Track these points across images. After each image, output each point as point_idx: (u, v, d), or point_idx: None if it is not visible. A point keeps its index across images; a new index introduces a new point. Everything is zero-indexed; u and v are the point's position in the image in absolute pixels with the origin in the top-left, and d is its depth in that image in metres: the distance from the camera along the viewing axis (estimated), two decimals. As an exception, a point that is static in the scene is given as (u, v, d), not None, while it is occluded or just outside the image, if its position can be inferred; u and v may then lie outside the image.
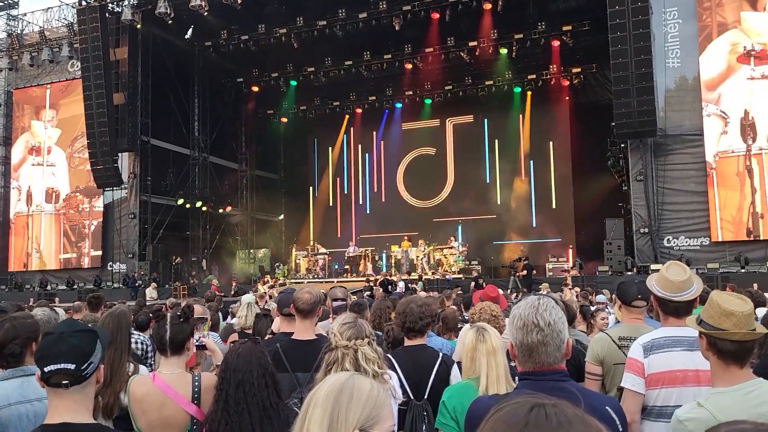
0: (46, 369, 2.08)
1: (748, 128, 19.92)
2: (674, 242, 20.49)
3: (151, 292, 22.44)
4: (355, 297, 8.87)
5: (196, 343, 3.53)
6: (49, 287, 26.42)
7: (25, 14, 30.00)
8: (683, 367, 3.07)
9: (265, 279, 25.25)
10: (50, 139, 28.68)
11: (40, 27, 28.84)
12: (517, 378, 2.33)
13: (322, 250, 26.94)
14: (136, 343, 5.16)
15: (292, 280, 24.25)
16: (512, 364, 2.71)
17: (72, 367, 2.07)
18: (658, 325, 3.54)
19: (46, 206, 28.44)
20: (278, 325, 5.10)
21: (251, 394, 2.81)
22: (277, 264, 29.18)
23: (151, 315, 3.65)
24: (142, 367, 3.89)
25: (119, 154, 25.37)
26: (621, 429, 2.17)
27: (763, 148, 19.77)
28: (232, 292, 21.56)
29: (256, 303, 10.36)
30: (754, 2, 20.26)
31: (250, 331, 5.83)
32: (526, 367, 2.22)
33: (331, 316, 3.93)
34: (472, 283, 16.89)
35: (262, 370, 2.88)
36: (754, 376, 2.51)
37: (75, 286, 25.86)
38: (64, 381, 2.08)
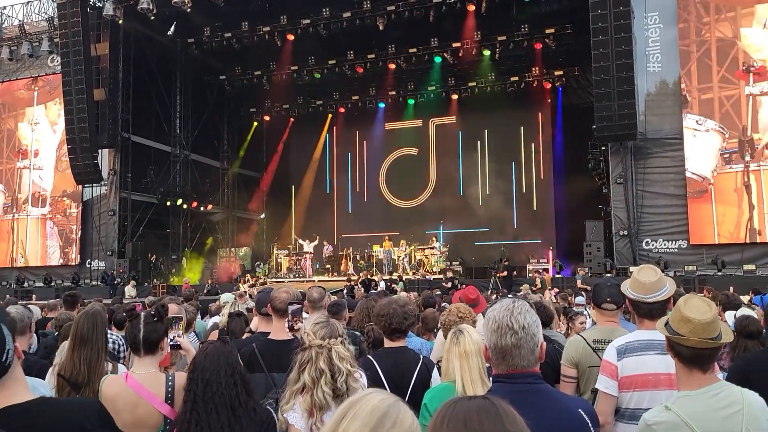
0: None
1: (746, 144, 20.06)
2: (653, 245, 20.70)
3: (129, 290, 22.22)
4: (334, 297, 8.84)
5: (171, 343, 3.48)
6: (26, 284, 26.07)
7: (4, 7, 29.57)
8: (656, 371, 3.10)
9: (246, 278, 25.14)
10: (37, 141, 28.28)
11: (20, 21, 28.44)
12: (491, 380, 2.33)
13: (308, 247, 26.82)
14: (110, 342, 5.09)
15: (273, 279, 24.17)
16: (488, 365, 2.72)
17: None
18: (633, 327, 3.57)
19: (32, 210, 28.00)
20: (257, 324, 5.08)
21: (219, 394, 2.78)
22: (257, 263, 29.07)
23: (124, 314, 3.60)
24: (121, 366, 3.84)
25: (99, 151, 25.08)
26: (593, 430, 2.18)
27: (761, 165, 19.88)
28: (205, 291, 21.32)
29: (236, 302, 10.34)
30: (749, 18, 20.43)
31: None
32: (500, 369, 2.22)
33: (287, 318, 3.91)
34: (448, 284, 16.99)
35: (231, 370, 2.86)
36: (718, 379, 2.54)
37: (52, 284, 25.57)
38: None
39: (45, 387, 3.02)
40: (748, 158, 19.98)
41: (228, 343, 3.04)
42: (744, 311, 5.12)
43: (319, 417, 2.88)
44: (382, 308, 4.05)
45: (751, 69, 20.17)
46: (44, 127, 28.16)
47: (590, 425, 2.17)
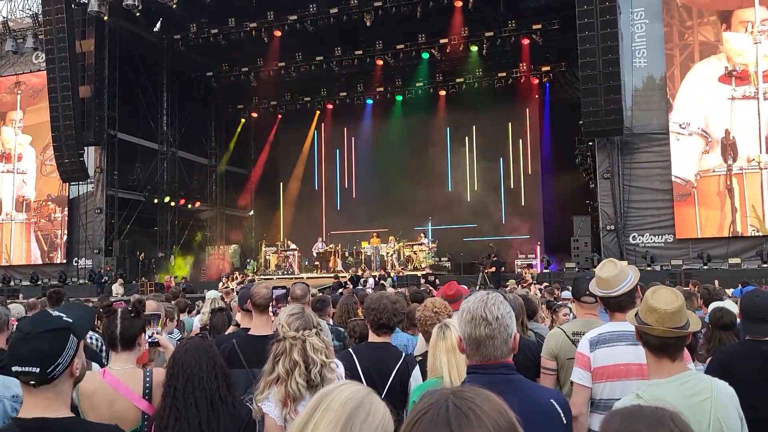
0: (13, 369, 2.04)
1: (729, 148, 20.16)
2: (639, 239, 20.82)
3: (117, 288, 22.11)
4: (320, 293, 8.84)
5: (149, 340, 3.47)
6: (12, 283, 25.88)
7: (-13, 4, 29.30)
8: (627, 361, 3.15)
9: (234, 275, 25.09)
10: (21, 146, 27.99)
11: (4, 17, 28.16)
12: (465, 371, 2.33)
13: (292, 246, 26.87)
14: (90, 338, 5.08)
15: (262, 276, 24.14)
16: None
17: (36, 370, 2.00)
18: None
19: (16, 215, 27.72)
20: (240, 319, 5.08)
21: (200, 388, 2.79)
22: (247, 260, 29.01)
23: (101, 310, 3.58)
24: (94, 365, 3.82)
25: (85, 148, 24.90)
26: (565, 421, 2.20)
27: (743, 168, 20.00)
28: (181, 288, 21.11)
29: (222, 299, 10.32)
30: (731, 23, 20.53)
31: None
32: (473, 360, 2.23)
33: (271, 305, 3.91)
34: (423, 280, 17.02)
35: (212, 364, 2.87)
36: (687, 368, 2.61)
37: (39, 282, 25.37)
38: (31, 381, 2.03)
39: (18, 386, 3.00)
40: (730, 161, 20.12)
41: (207, 339, 3.04)
42: (723, 304, 5.15)
43: (293, 407, 2.88)
44: (373, 302, 4.04)
45: (734, 73, 20.29)
46: (28, 131, 27.88)
47: (562, 415, 2.19)
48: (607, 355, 3.29)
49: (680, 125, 20.60)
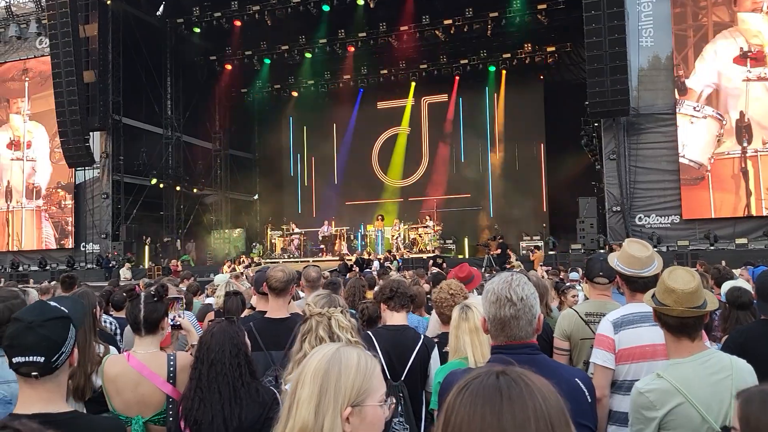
0: (14, 360, 1.98)
1: (743, 130, 19.96)
2: (646, 220, 20.80)
3: (125, 272, 22.23)
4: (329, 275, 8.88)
5: (172, 323, 3.52)
6: (20, 268, 26.04)
7: (-11, -11, 29.19)
8: (652, 342, 3.15)
9: (241, 259, 25.16)
10: (30, 133, 27.99)
11: (7, 2, 28.06)
12: (489, 352, 2.37)
13: (296, 229, 26.93)
14: (105, 322, 5.13)
15: (268, 260, 24.21)
16: None
17: (41, 359, 1.96)
18: (624, 300, 3.62)
19: (26, 202, 27.79)
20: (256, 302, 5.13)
21: (222, 374, 2.83)
22: (253, 243, 29.10)
23: (124, 294, 3.63)
24: (112, 348, 3.87)
25: (90, 133, 24.91)
26: (590, 400, 2.24)
27: (758, 151, 19.77)
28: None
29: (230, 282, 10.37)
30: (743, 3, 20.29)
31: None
32: (498, 340, 2.27)
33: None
34: (430, 262, 17.05)
35: (236, 350, 2.90)
36: (706, 347, 2.63)
37: (48, 267, 25.52)
38: (33, 372, 1.98)
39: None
40: (745, 144, 19.94)
41: (235, 323, 3.07)
42: (737, 283, 5.18)
43: None
44: (388, 282, 4.16)
45: (749, 54, 20.07)
46: (36, 118, 27.87)
47: (587, 394, 2.23)
48: (632, 336, 3.28)
49: (694, 108, 20.42)
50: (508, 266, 17.64)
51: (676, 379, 2.39)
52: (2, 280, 18.92)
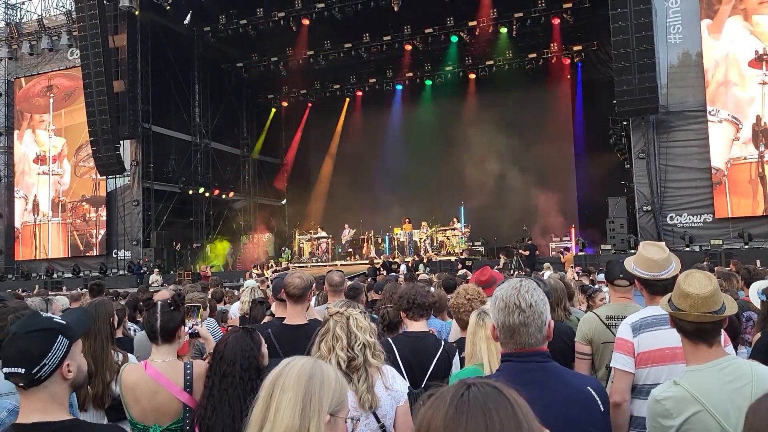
0: (3, 370, 2.02)
1: (760, 134, 19.58)
2: (677, 219, 20.43)
3: (154, 278, 22.54)
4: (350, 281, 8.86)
5: (189, 331, 3.53)
6: (55, 275, 26.56)
7: (23, 2, 29.90)
8: (672, 345, 3.07)
9: (270, 264, 25.36)
10: (55, 148, 28.63)
11: (39, 15, 28.74)
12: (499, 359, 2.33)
13: (323, 233, 27.02)
14: (129, 329, 5.19)
15: (297, 264, 24.34)
16: None
17: (22, 371, 1.97)
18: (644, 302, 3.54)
19: (52, 216, 28.42)
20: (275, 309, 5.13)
21: (233, 387, 2.84)
22: (282, 248, 29.27)
23: (140, 303, 3.67)
24: (131, 356, 3.90)
25: (121, 142, 25.35)
26: (603, 409, 2.18)
27: None
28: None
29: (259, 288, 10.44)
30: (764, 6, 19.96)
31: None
32: (507, 348, 2.22)
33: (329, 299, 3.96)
34: (459, 265, 17.01)
35: (247, 364, 2.89)
36: (725, 353, 2.53)
37: (81, 274, 26.00)
38: (19, 383, 1.99)
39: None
40: (762, 148, 19.50)
41: (251, 333, 3.06)
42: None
43: None
44: (404, 290, 4.08)
45: (764, 57, 19.63)
46: (61, 133, 28.47)
47: (600, 403, 2.17)
48: (651, 339, 3.22)
49: (710, 112, 20.07)
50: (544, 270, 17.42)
51: (694, 387, 2.32)
52: (36, 287, 19.30)
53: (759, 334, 3.92)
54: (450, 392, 1.28)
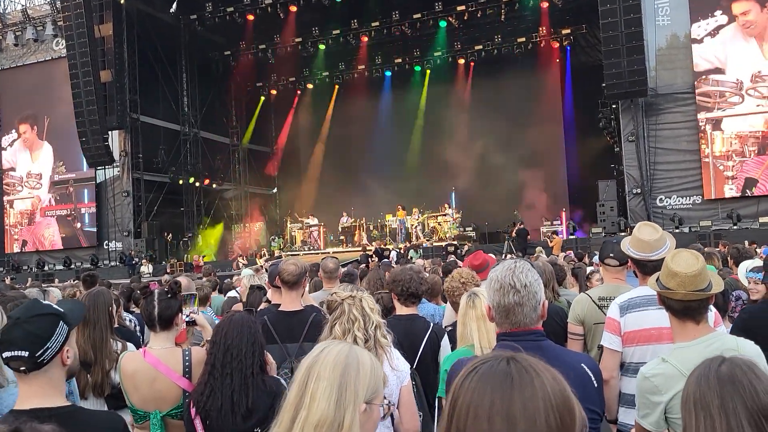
0: (3, 355, 2.06)
1: None
2: (667, 201, 20.57)
3: (144, 268, 22.52)
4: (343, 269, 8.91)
5: (186, 319, 3.56)
6: (46, 267, 26.46)
7: (6, -8, 29.52)
8: (658, 325, 3.14)
9: (263, 252, 25.37)
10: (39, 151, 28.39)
11: (23, 5, 28.40)
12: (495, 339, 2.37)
13: (313, 221, 27.01)
14: (125, 319, 5.20)
15: (288, 253, 24.35)
16: None
17: (26, 354, 2.01)
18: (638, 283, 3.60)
19: (44, 208, 28.31)
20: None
21: (237, 360, 2.87)
22: (272, 237, 29.25)
23: (138, 292, 3.70)
24: (130, 345, 3.93)
25: (109, 132, 25.16)
26: (596, 385, 2.23)
27: None
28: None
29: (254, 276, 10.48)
30: None
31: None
32: (503, 327, 2.27)
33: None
34: (449, 248, 17.10)
35: (252, 339, 2.94)
36: (712, 329, 2.60)
37: (72, 266, 25.91)
38: (21, 367, 2.04)
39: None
40: None
41: (252, 314, 3.10)
42: (755, 262, 5.11)
43: None
44: (398, 273, 4.10)
45: None
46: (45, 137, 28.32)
47: (593, 380, 2.22)
48: (637, 319, 3.29)
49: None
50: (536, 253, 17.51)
51: (681, 363, 2.37)
52: (29, 279, 19.25)
53: (736, 318, 4.01)
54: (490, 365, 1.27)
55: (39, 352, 2.02)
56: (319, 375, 1.55)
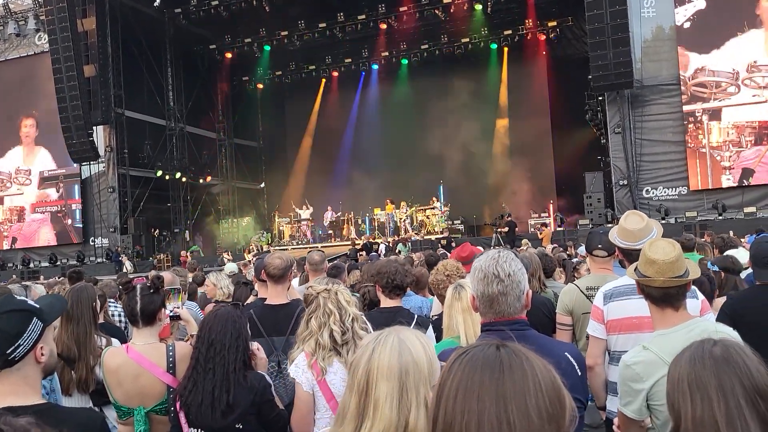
0: None
1: None
2: (653, 192, 20.71)
3: (127, 265, 22.40)
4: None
5: (170, 314, 3.53)
6: (31, 265, 26.23)
7: (-14, -13, 29.10)
8: (640, 314, 3.16)
9: (251, 247, 25.28)
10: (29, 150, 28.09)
11: (4, 0, 28.03)
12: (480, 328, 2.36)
13: (310, 211, 26.93)
14: (113, 315, 5.16)
15: (276, 247, 24.29)
16: None
17: None
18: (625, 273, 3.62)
19: (29, 213, 28.08)
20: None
21: (220, 355, 2.86)
22: (260, 231, 29.15)
23: (120, 287, 3.66)
24: (114, 340, 3.89)
25: (94, 128, 24.93)
26: (579, 373, 2.24)
27: None
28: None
29: (240, 271, 10.45)
30: None
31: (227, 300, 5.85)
32: (487, 317, 2.26)
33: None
34: (442, 241, 17.11)
35: (237, 334, 2.93)
36: (691, 316, 2.63)
37: (58, 263, 25.71)
38: None
39: None
40: None
41: (239, 308, 3.09)
42: (736, 252, 5.16)
43: (322, 356, 2.93)
44: (383, 267, 4.09)
45: None
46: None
47: (577, 369, 2.23)
48: (619, 308, 3.33)
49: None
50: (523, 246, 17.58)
51: (662, 350, 2.39)
52: (14, 276, 19.07)
53: (724, 298, 4.05)
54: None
55: (10, 350, 1.95)
56: (375, 381, 1.53)
